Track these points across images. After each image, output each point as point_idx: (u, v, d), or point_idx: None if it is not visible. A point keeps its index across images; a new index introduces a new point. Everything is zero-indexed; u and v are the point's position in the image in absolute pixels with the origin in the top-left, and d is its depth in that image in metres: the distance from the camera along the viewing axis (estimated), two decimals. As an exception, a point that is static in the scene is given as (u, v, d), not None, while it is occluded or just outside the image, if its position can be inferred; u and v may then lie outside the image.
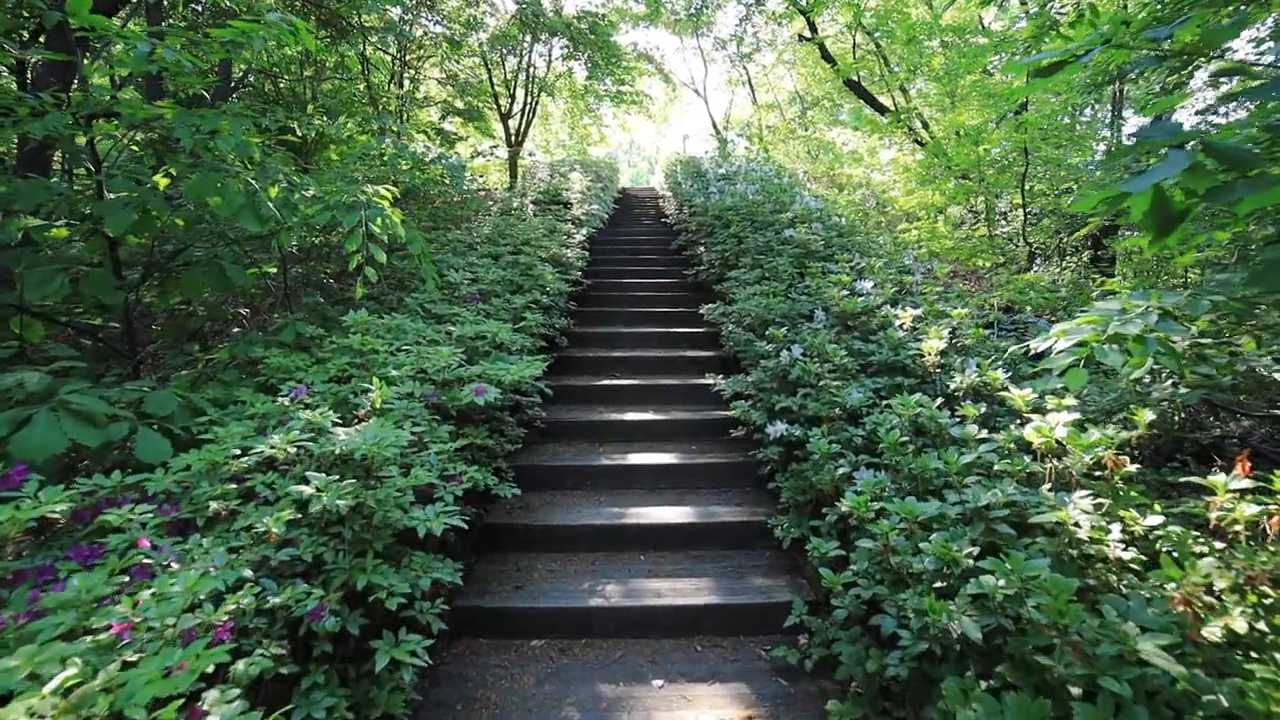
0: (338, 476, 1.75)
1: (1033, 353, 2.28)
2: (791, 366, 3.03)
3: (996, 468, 1.79)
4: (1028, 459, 1.82)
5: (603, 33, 10.50)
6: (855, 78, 12.23)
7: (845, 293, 3.57)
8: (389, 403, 2.29)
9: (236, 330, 3.59)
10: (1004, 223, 10.31)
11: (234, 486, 1.91)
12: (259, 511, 1.80)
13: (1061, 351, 2.00)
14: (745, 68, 19.66)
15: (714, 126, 21.33)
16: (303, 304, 3.54)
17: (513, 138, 14.65)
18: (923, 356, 2.67)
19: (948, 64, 9.05)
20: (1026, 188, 8.76)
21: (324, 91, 10.12)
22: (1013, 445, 1.90)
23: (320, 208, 3.16)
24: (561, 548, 3.12)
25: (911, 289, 4.06)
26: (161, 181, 2.88)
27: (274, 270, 4.62)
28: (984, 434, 2.01)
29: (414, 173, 5.08)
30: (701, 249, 6.57)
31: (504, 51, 13.29)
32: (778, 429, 2.72)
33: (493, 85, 14.08)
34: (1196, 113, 6.80)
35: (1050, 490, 1.76)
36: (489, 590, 2.77)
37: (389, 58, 11.50)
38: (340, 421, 2.08)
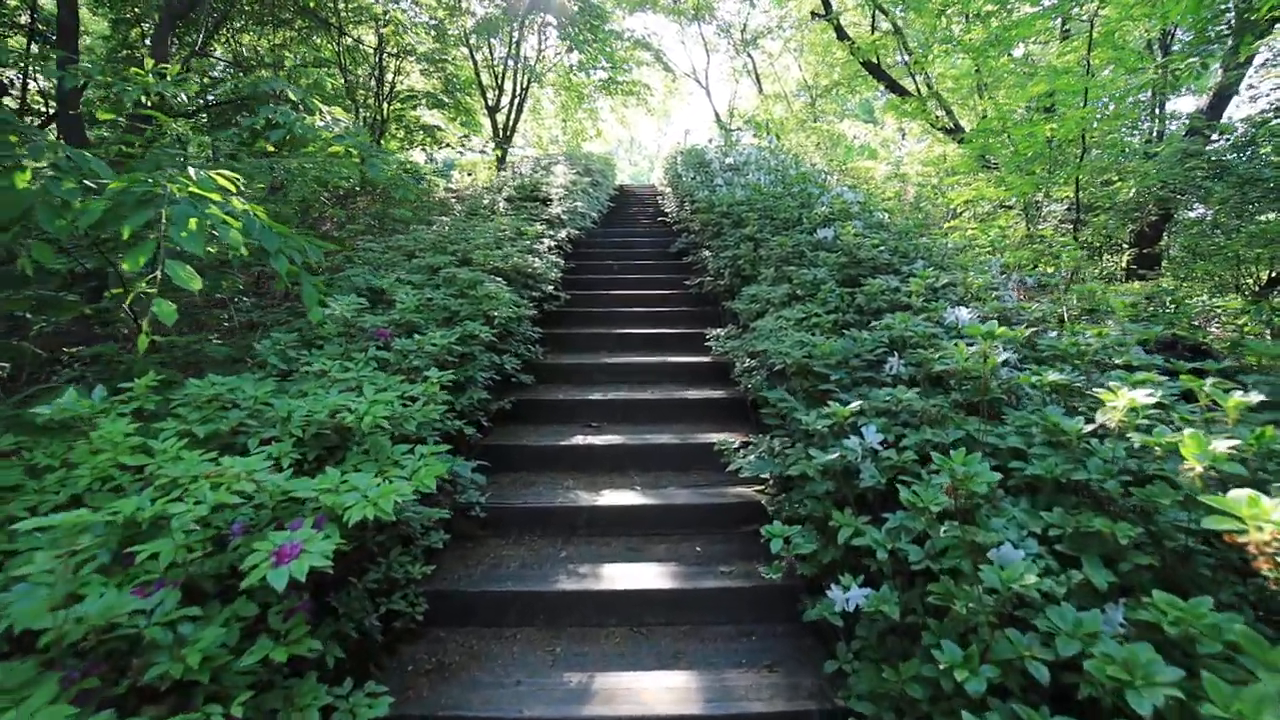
0: None
1: None
2: (862, 461, 1.81)
3: None
4: None
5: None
6: (874, 59, 11.00)
7: (946, 344, 2.21)
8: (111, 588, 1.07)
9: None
10: (1040, 218, 9.08)
11: None
12: None
13: None
14: (750, 55, 18.48)
15: (717, 118, 20.14)
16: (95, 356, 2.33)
17: (501, 132, 13.43)
18: (1251, 551, 1.11)
19: (992, 34, 7.75)
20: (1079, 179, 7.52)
21: (302, 85, 9.17)
22: None
23: (98, 201, 1.96)
24: (483, 758, 1.91)
25: (1027, 318, 2.81)
26: None
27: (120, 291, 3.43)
28: None
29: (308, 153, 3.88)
30: (707, 253, 5.36)
31: (490, 38, 12.12)
32: (849, 597, 1.49)
33: (479, 75, 12.87)
34: None
35: None
36: None
37: (370, 50, 10.44)
38: None
